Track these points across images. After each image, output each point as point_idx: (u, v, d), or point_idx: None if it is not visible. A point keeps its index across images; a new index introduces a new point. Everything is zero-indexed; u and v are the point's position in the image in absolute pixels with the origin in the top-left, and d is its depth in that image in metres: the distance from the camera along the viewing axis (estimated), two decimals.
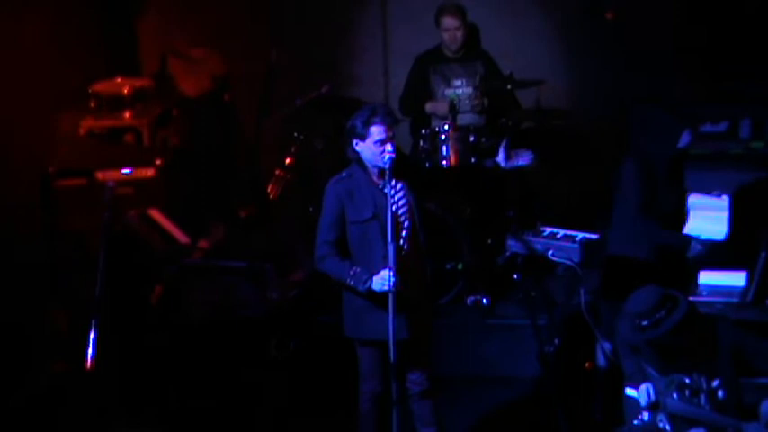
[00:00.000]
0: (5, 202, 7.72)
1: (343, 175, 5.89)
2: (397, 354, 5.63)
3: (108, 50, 8.98)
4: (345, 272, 5.80)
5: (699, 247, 6.45)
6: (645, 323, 5.45)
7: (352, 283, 5.79)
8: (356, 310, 5.89)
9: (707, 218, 6.44)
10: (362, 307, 5.85)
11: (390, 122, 5.77)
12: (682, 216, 6.50)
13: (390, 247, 5.64)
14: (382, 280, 5.70)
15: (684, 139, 6.48)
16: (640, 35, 8.61)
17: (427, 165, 7.91)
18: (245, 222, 7.85)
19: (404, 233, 5.81)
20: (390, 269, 5.64)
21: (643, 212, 6.45)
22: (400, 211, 5.78)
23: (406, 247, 5.82)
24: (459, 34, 8.18)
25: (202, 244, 7.78)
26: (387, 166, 5.71)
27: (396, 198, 5.75)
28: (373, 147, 5.75)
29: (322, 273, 5.95)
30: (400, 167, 5.81)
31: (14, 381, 6.90)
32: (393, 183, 5.73)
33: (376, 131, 5.75)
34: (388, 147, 5.74)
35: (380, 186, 5.82)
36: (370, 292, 5.75)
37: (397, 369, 5.65)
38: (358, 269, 5.77)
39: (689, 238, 6.40)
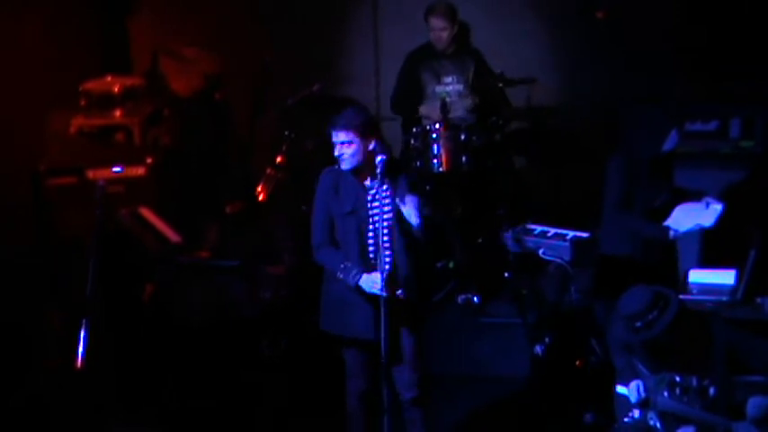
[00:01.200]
0: (3, 200, 7.72)
1: (336, 166, 5.91)
2: (382, 354, 5.65)
3: (100, 49, 8.96)
4: (337, 263, 5.82)
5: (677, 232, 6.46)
6: (638, 324, 5.47)
7: (341, 276, 5.80)
8: (338, 307, 5.88)
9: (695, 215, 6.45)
10: (346, 304, 5.84)
11: (338, 129, 5.77)
12: (668, 211, 6.52)
13: (382, 253, 5.66)
14: (372, 282, 5.71)
15: (672, 140, 6.49)
16: (633, 34, 8.62)
17: (418, 164, 7.92)
18: (232, 219, 7.84)
19: (386, 239, 5.80)
20: (382, 272, 5.66)
21: (622, 207, 6.47)
22: (385, 216, 5.78)
23: (390, 256, 5.81)
24: (445, 35, 8.18)
25: (204, 250, 7.78)
26: (378, 169, 5.72)
27: (382, 201, 5.75)
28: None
29: (319, 263, 5.95)
30: (393, 170, 5.80)
31: (10, 381, 6.89)
32: (383, 186, 5.74)
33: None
34: (337, 151, 5.77)
35: (365, 182, 5.83)
36: (358, 288, 5.75)
37: (386, 371, 5.65)
38: (349, 263, 5.78)
39: (667, 228, 6.40)
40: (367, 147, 5.77)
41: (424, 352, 5.97)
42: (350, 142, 5.74)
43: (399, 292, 5.79)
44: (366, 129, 5.77)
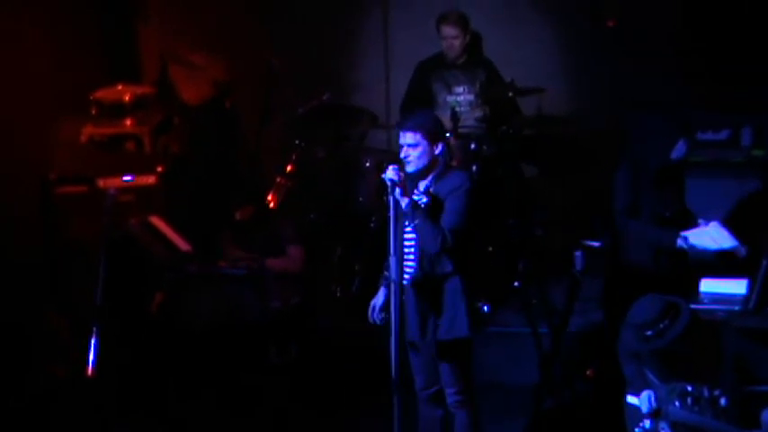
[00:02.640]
0: (6, 207, 7.72)
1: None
2: (408, 354, 5.80)
3: (109, 57, 8.97)
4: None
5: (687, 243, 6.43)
6: (649, 333, 5.46)
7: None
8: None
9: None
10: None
11: (406, 130, 5.83)
12: (680, 220, 6.51)
13: (392, 260, 5.68)
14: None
15: (680, 149, 6.49)
16: (641, 40, 8.62)
17: None
18: (242, 225, 7.85)
19: (411, 251, 5.82)
20: (394, 282, 5.68)
21: (630, 215, 6.46)
22: (408, 228, 5.80)
23: (414, 261, 5.82)
24: (457, 43, 8.20)
25: (220, 259, 7.78)
26: (388, 184, 5.73)
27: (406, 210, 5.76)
28: None
29: None
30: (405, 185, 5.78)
31: (13, 385, 6.90)
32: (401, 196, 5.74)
33: None
34: (403, 152, 5.81)
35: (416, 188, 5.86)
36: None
37: (403, 373, 5.69)
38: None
39: (675, 235, 6.39)
40: (433, 151, 5.79)
41: (461, 367, 5.96)
42: (416, 145, 5.77)
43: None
44: (434, 133, 5.79)
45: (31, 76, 8.08)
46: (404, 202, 5.70)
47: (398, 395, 5.63)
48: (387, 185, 5.69)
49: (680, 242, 6.39)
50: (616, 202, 6.61)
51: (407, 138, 5.79)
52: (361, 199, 8.06)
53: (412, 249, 5.81)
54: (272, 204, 8.19)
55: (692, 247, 6.39)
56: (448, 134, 7.86)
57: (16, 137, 7.87)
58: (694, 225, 6.54)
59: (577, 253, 6.72)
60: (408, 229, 5.80)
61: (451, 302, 5.82)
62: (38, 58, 8.18)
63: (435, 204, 5.76)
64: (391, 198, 5.69)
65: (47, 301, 7.54)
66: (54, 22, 8.36)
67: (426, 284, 5.81)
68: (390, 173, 5.68)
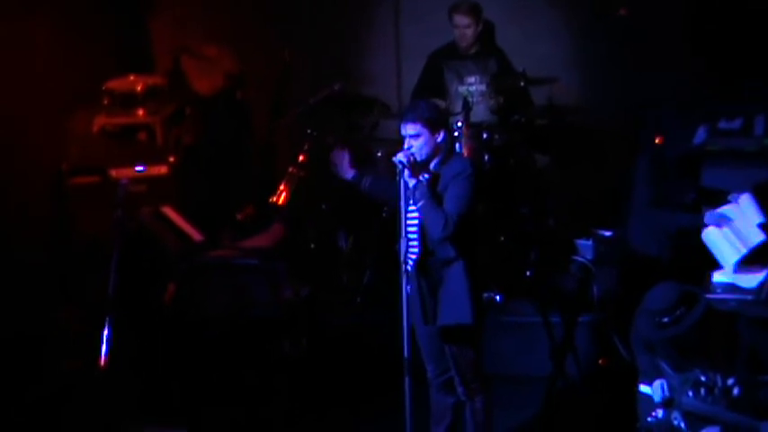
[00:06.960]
0: (20, 198, 7.74)
1: None
2: (414, 339, 5.81)
3: (121, 49, 8.99)
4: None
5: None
6: (665, 320, 5.46)
7: None
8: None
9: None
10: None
11: (407, 121, 5.85)
12: (705, 203, 6.52)
13: (402, 242, 5.71)
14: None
15: (700, 136, 6.50)
16: (653, 32, 8.60)
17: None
18: (243, 225, 7.85)
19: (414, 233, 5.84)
20: (404, 264, 5.70)
21: (655, 204, 6.47)
22: (412, 210, 5.82)
23: (416, 245, 5.84)
24: (469, 32, 8.19)
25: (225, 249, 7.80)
26: (398, 166, 5.76)
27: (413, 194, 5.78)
28: None
29: None
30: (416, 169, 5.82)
31: (27, 380, 6.92)
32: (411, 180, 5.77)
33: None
34: (406, 144, 5.83)
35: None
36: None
37: (413, 358, 5.70)
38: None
39: (701, 218, 6.39)
40: (435, 140, 5.82)
41: (466, 355, 5.95)
42: (418, 135, 5.81)
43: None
44: (435, 123, 5.83)
45: (44, 68, 8.10)
46: (411, 182, 5.75)
47: (410, 376, 5.63)
48: (397, 168, 5.75)
49: (707, 218, 6.40)
50: (638, 192, 6.60)
51: (409, 129, 5.84)
52: None
53: (415, 229, 5.83)
54: (283, 196, 8.20)
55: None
56: (459, 123, 7.91)
57: (30, 130, 7.89)
58: (724, 203, 6.52)
59: (587, 242, 6.72)
60: (413, 208, 5.81)
61: (453, 288, 5.80)
62: (50, 50, 8.20)
63: (435, 182, 5.81)
64: (401, 180, 5.74)
65: (60, 294, 7.56)
66: (66, 14, 8.37)
67: (428, 268, 5.81)
68: (400, 155, 5.75)
